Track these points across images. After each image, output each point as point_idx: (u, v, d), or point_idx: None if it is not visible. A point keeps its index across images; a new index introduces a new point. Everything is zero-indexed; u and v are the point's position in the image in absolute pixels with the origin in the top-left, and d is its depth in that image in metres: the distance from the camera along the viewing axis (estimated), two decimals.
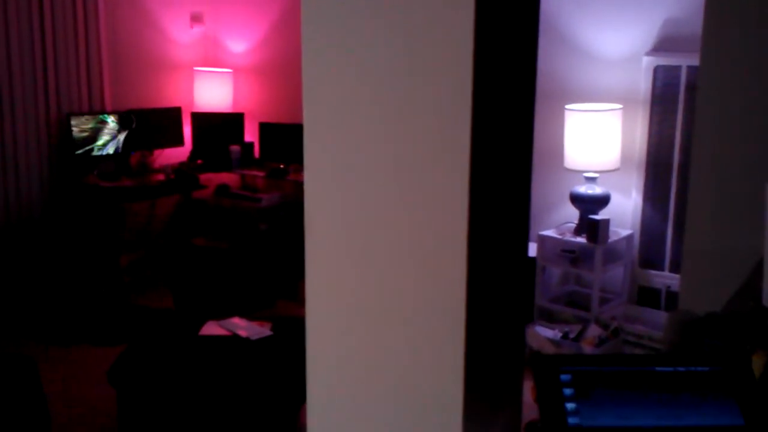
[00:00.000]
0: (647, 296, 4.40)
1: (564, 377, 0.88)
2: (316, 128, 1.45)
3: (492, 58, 1.29)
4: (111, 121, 5.35)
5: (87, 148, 5.21)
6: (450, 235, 1.27)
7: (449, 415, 1.26)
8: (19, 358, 2.94)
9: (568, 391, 0.87)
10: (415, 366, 1.38)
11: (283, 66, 5.89)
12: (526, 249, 1.47)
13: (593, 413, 0.86)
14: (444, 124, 1.27)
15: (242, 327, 3.35)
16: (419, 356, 1.35)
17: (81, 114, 5.21)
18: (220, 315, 3.57)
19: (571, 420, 0.84)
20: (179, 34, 5.99)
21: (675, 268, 4.28)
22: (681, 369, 0.89)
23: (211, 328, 3.34)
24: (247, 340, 3.23)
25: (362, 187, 1.40)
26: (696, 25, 4.06)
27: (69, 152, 5.15)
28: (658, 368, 0.91)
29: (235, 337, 3.25)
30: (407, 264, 1.36)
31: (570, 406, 0.85)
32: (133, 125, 5.48)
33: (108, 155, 5.37)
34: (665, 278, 4.33)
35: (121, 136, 5.42)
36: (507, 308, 1.45)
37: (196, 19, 6.09)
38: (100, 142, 5.29)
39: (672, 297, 4.28)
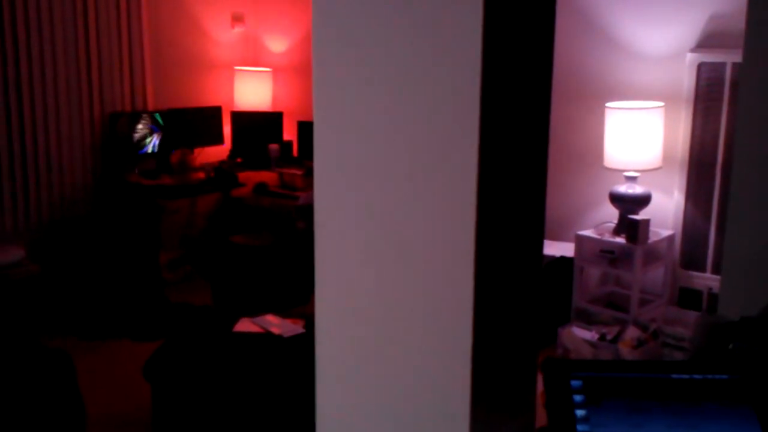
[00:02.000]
0: (688, 298, 4.31)
1: (575, 383, 0.86)
2: (325, 126, 1.44)
3: (503, 51, 1.27)
4: (153, 120, 5.43)
5: (129, 146, 5.29)
6: (458, 236, 1.25)
7: (457, 422, 1.24)
8: (56, 352, 3.00)
9: (578, 398, 0.85)
10: (422, 370, 1.37)
11: None
12: (540, 250, 1.43)
13: (603, 421, 0.83)
14: (453, 120, 1.25)
15: (275, 324, 3.36)
16: (426, 359, 1.33)
17: (124, 113, 5.29)
18: (258, 311, 3.59)
19: (581, 427, 0.82)
20: (220, 34, 6.05)
21: (717, 269, 4.17)
22: (697, 377, 0.86)
23: (244, 325, 3.36)
24: (280, 337, 3.24)
25: (368, 187, 1.39)
26: (741, 20, 3.97)
27: (112, 151, 5.23)
28: (673, 376, 0.88)
29: (268, 335, 3.26)
30: (414, 264, 1.34)
31: (580, 413, 0.83)
32: (174, 124, 5.55)
33: (149, 153, 5.45)
34: (707, 280, 4.23)
35: (163, 135, 5.49)
36: (518, 311, 1.42)
37: (237, 18, 6.14)
38: (142, 141, 5.37)
39: (714, 299, 4.17)
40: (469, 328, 1.21)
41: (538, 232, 1.43)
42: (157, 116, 5.46)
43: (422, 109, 1.28)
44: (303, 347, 3.19)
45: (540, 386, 0.92)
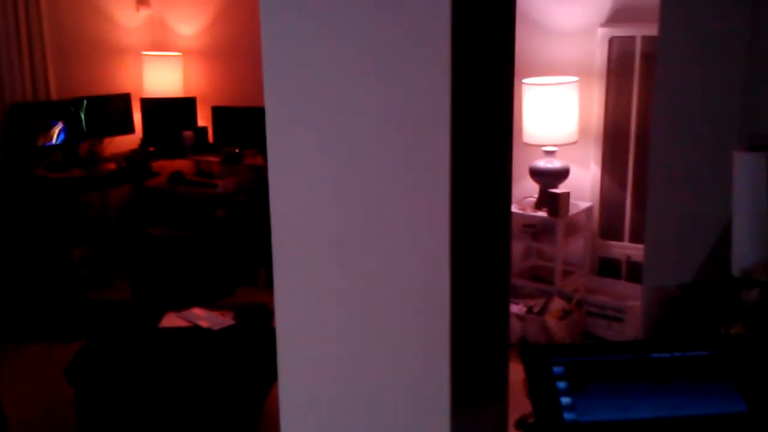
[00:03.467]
0: (608, 267, 4.43)
1: (557, 369, 0.84)
2: (278, 113, 1.38)
3: (473, 35, 1.24)
4: (57, 110, 5.17)
5: (33, 138, 5.03)
6: (431, 226, 1.22)
7: (435, 413, 1.22)
8: None
9: (561, 385, 0.83)
10: (396, 361, 1.34)
11: (235, 48, 5.75)
12: (508, 229, 1.42)
13: (589, 407, 0.82)
14: (422, 103, 1.21)
15: (203, 317, 3.27)
16: (400, 349, 1.30)
17: (25, 103, 5.02)
18: (180, 305, 3.48)
19: (567, 416, 0.80)
20: (125, 18, 5.81)
21: (635, 238, 4.31)
22: (678, 354, 0.86)
23: (171, 320, 3.25)
24: (209, 330, 3.15)
25: (333, 176, 1.34)
26: None
27: (14, 144, 4.96)
28: (654, 355, 0.87)
29: (196, 328, 3.17)
30: (384, 251, 1.30)
31: (565, 400, 0.81)
32: (80, 113, 5.31)
33: (55, 145, 5.19)
34: (626, 248, 4.36)
35: (68, 125, 5.24)
36: (493, 296, 1.41)
37: (141, 2, 5.90)
38: (46, 132, 5.11)
39: (633, 267, 4.31)
40: (446, 319, 1.18)
41: (505, 218, 1.42)
42: (61, 106, 5.20)
43: (387, 95, 1.24)
44: (234, 340, 3.12)
45: (520, 375, 0.90)
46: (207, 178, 5.62)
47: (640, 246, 4.17)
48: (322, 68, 1.31)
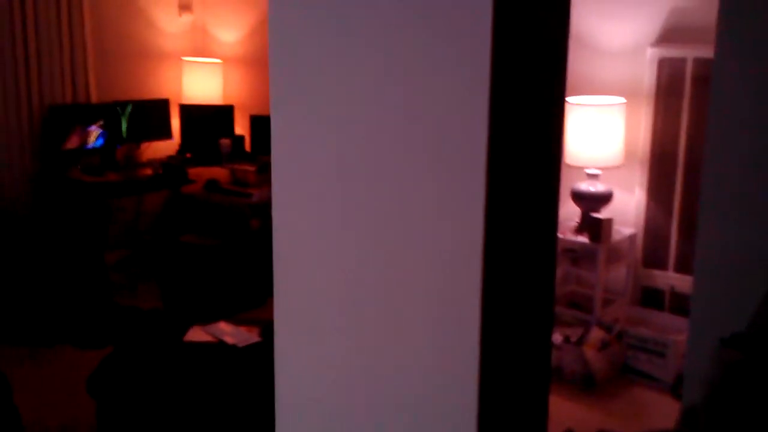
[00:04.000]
0: (651, 297, 4.26)
1: None
2: (283, 117, 1.28)
3: (515, 56, 1.13)
4: (96, 113, 5.16)
5: (70, 141, 5.02)
6: (459, 242, 1.11)
7: None
8: None
9: None
10: (419, 395, 1.23)
11: None
12: (554, 259, 1.31)
13: None
14: (455, 115, 1.11)
15: (229, 333, 3.19)
16: (425, 383, 1.19)
17: (64, 105, 5.02)
18: (210, 314, 3.42)
19: None
20: (167, 23, 5.80)
21: (680, 267, 4.13)
22: None
23: (196, 334, 3.18)
24: (233, 347, 3.07)
25: (339, 187, 1.24)
26: (703, 15, 3.92)
27: (53, 146, 4.96)
28: None
29: (221, 344, 3.09)
30: (414, 279, 1.19)
31: None
32: (119, 117, 5.30)
33: (93, 149, 5.19)
34: (670, 278, 4.18)
35: (107, 129, 5.23)
36: (530, 323, 1.30)
37: (184, 7, 5.90)
38: (84, 135, 5.11)
39: (677, 298, 4.13)
40: (475, 351, 1.07)
41: (551, 246, 1.31)
42: (101, 110, 5.20)
43: (415, 98, 1.14)
44: (259, 358, 3.03)
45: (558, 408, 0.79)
46: (242, 187, 5.57)
47: (686, 276, 4.00)
48: (341, 88, 1.22)
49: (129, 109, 5.30)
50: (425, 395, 1.24)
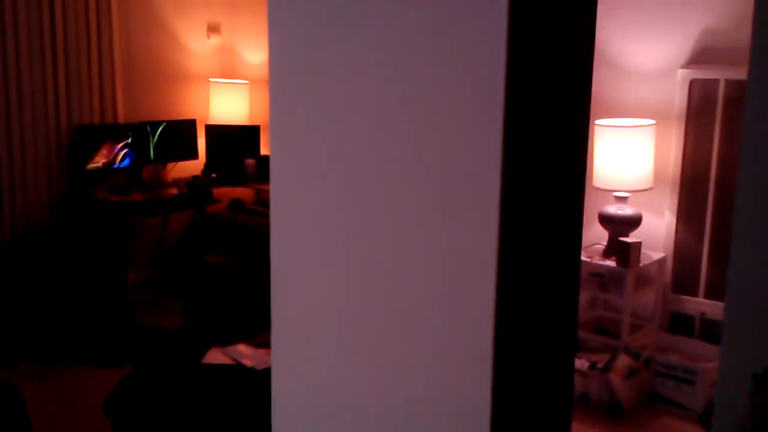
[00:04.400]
0: (680, 324, 4.14)
1: None
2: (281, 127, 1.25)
3: (534, 76, 1.09)
4: (123, 133, 5.20)
5: (97, 161, 5.06)
6: (473, 261, 1.06)
7: None
8: (2, 386, 2.76)
9: None
10: (423, 422, 1.18)
11: None
12: (577, 283, 1.26)
13: None
14: (469, 143, 1.06)
15: (247, 355, 3.15)
16: (427, 410, 1.14)
17: (92, 126, 5.07)
18: (232, 334, 3.39)
19: None
20: (195, 45, 5.85)
21: (710, 293, 4.02)
22: None
23: (214, 356, 3.14)
24: (252, 370, 3.03)
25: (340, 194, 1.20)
26: (736, 36, 3.85)
27: (79, 165, 5.00)
28: None
29: (239, 367, 3.05)
30: (427, 303, 1.15)
31: None
32: (147, 137, 5.33)
33: (120, 168, 5.22)
34: (699, 304, 4.07)
35: (134, 149, 5.26)
36: (552, 347, 1.25)
37: (213, 29, 5.94)
38: (111, 155, 5.14)
39: (707, 324, 4.02)
40: (487, 376, 1.02)
41: (574, 271, 1.26)
42: (128, 130, 5.23)
43: (430, 133, 1.10)
44: None
45: None
46: (267, 207, 5.54)
47: (716, 302, 3.89)
48: (348, 111, 1.18)
49: (151, 128, 5.33)
50: (437, 422, 1.19)
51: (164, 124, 5.46)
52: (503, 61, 1.01)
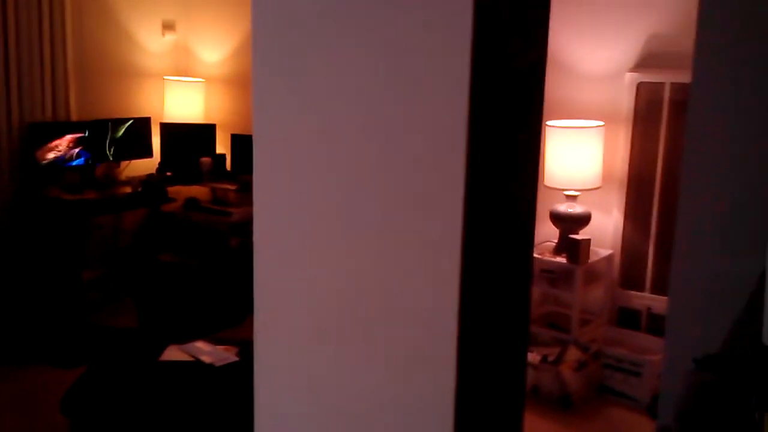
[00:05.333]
0: (628, 318, 4.29)
1: None
2: (266, 139, 1.30)
3: (493, 81, 1.15)
4: (75, 131, 5.15)
5: (50, 158, 5.00)
6: (441, 262, 1.12)
7: None
8: None
9: None
10: (400, 410, 1.23)
11: None
12: (529, 278, 1.33)
13: None
14: (436, 133, 1.12)
15: (206, 352, 3.17)
16: (394, 398, 1.20)
17: (44, 123, 5.00)
18: (188, 333, 3.41)
19: None
20: (150, 42, 5.81)
21: (656, 288, 4.17)
22: None
23: (172, 353, 3.15)
24: (210, 366, 3.05)
25: (342, 215, 1.25)
26: (681, 41, 3.99)
27: (31, 163, 4.93)
28: None
29: (198, 363, 3.07)
30: (395, 294, 1.20)
31: None
32: (99, 135, 5.28)
33: (73, 167, 5.16)
34: (646, 299, 4.22)
35: (87, 147, 5.21)
36: (507, 341, 1.31)
37: (167, 26, 5.91)
38: (63, 153, 5.08)
39: (653, 318, 4.17)
40: (451, 362, 1.08)
41: (526, 266, 1.32)
42: (80, 127, 5.18)
43: (400, 135, 1.15)
44: (236, 377, 3.01)
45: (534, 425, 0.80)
46: (222, 206, 5.55)
47: (662, 297, 4.03)
48: (331, 115, 1.24)
49: (104, 126, 5.29)
50: (403, 411, 1.24)
51: (117, 121, 5.41)
52: (468, 70, 1.08)
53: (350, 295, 1.25)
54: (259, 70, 1.27)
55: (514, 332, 1.48)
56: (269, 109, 1.29)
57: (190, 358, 3.11)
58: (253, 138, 1.30)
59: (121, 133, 5.43)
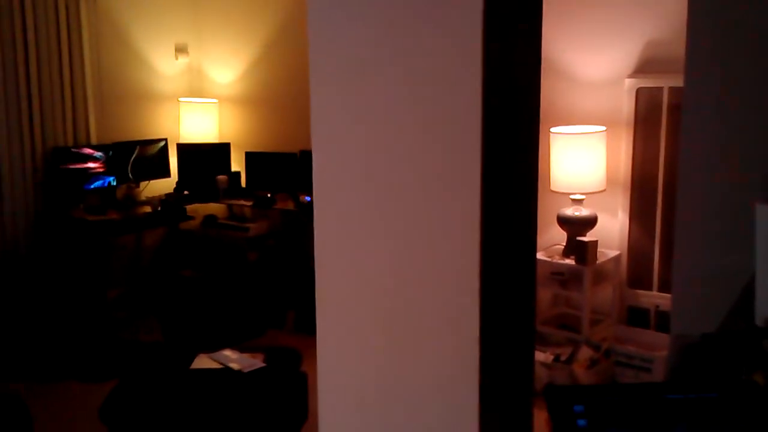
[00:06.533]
0: (637, 316, 4.42)
1: (578, 408, 0.89)
2: (324, 152, 1.46)
3: (500, 95, 1.31)
4: (97, 155, 5.33)
5: (73, 181, 5.18)
6: (464, 267, 1.27)
7: None
8: (9, 397, 2.90)
9: (582, 423, 0.88)
10: (429, 393, 1.38)
11: (268, 95, 5.91)
12: (534, 277, 1.47)
13: None
14: (454, 150, 1.28)
15: (234, 359, 3.32)
16: (432, 382, 1.35)
17: (66, 147, 5.19)
18: (210, 346, 3.54)
19: None
20: (164, 66, 6.01)
21: (663, 287, 4.30)
22: (692, 396, 0.90)
23: (202, 362, 3.31)
24: (239, 372, 3.20)
25: (374, 222, 1.41)
26: (677, 46, 4.13)
27: (55, 186, 5.12)
28: (669, 396, 0.92)
29: (227, 370, 3.22)
30: (420, 299, 1.35)
31: None
32: (119, 158, 5.47)
33: (94, 188, 5.34)
34: (654, 298, 4.35)
35: (107, 169, 5.40)
36: (518, 335, 1.46)
37: (180, 50, 6.11)
38: (86, 176, 5.26)
39: (661, 316, 4.30)
40: (475, 367, 1.23)
41: (531, 266, 1.47)
42: (101, 150, 5.37)
43: (424, 148, 1.31)
44: (263, 381, 3.16)
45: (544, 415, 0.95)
46: (239, 222, 5.72)
47: (669, 295, 4.15)
48: (370, 134, 1.39)
49: (123, 149, 5.48)
50: (432, 410, 1.38)
51: (135, 143, 5.60)
52: (479, 86, 1.23)
53: (394, 296, 1.40)
54: (315, 89, 1.43)
55: (523, 331, 1.60)
56: (325, 123, 1.44)
57: (220, 366, 3.27)
58: (312, 147, 1.46)
59: (139, 154, 5.61)
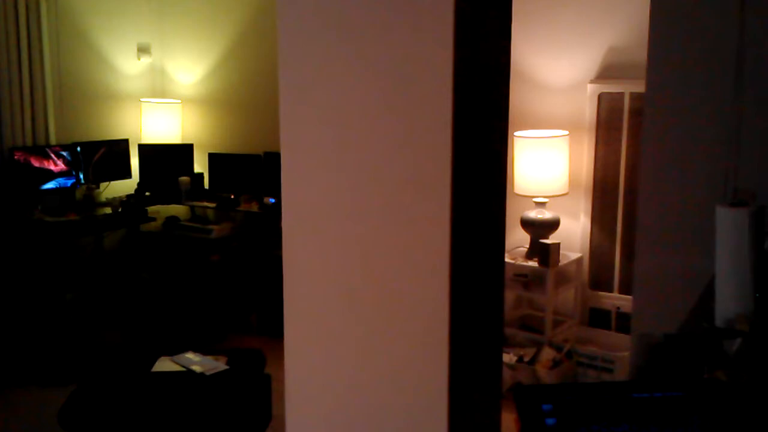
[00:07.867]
0: (598, 317, 4.48)
1: (546, 407, 0.90)
2: (293, 151, 1.45)
3: (469, 100, 1.32)
4: (55, 154, 5.24)
5: (31, 182, 5.09)
6: (434, 269, 1.28)
7: None
8: None
9: (550, 421, 0.89)
10: (398, 394, 1.38)
11: (232, 96, 5.87)
12: (502, 280, 1.48)
13: None
14: (425, 152, 1.28)
15: (196, 362, 3.29)
16: (402, 383, 1.35)
17: (24, 147, 5.09)
18: (172, 349, 3.50)
19: None
20: (126, 66, 5.93)
21: (624, 289, 4.37)
22: (657, 395, 0.92)
23: (164, 365, 3.27)
24: (202, 375, 3.17)
25: (343, 227, 1.40)
26: (638, 52, 4.21)
27: (13, 187, 5.01)
28: (635, 395, 0.93)
29: (189, 373, 3.19)
30: (390, 300, 1.36)
31: None
32: (79, 158, 5.38)
33: (53, 189, 5.25)
34: (615, 299, 4.42)
35: (67, 170, 5.30)
36: (487, 336, 1.47)
37: (142, 49, 6.03)
38: (44, 177, 5.17)
39: (622, 317, 4.36)
40: (445, 367, 1.23)
41: (500, 268, 1.48)
42: (60, 151, 5.28)
43: (395, 154, 1.31)
44: (227, 384, 3.13)
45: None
46: (202, 224, 5.67)
47: (630, 297, 4.22)
48: (340, 137, 1.39)
49: (83, 149, 5.39)
50: (400, 404, 1.39)
51: (96, 143, 5.52)
52: (450, 90, 1.24)
53: (361, 294, 1.40)
54: (284, 88, 1.42)
55: (492, 332, 1.62)
56: (293, 123, 1.44)
57: (182, 369, 3.23)
58: (281, 148, 1.45)
59: (99, 155, 5.53)
